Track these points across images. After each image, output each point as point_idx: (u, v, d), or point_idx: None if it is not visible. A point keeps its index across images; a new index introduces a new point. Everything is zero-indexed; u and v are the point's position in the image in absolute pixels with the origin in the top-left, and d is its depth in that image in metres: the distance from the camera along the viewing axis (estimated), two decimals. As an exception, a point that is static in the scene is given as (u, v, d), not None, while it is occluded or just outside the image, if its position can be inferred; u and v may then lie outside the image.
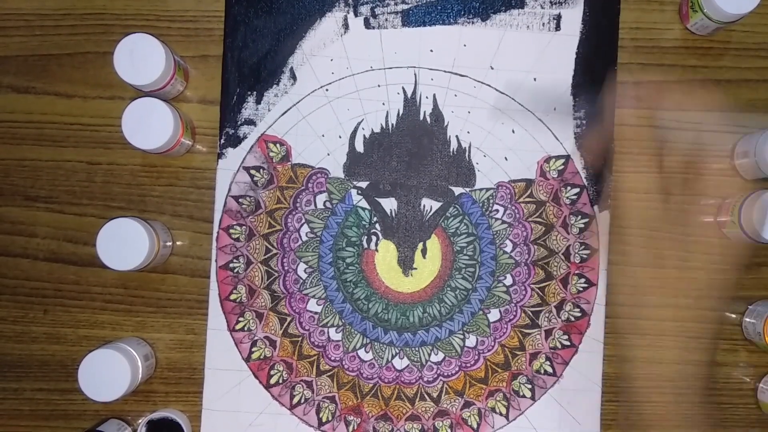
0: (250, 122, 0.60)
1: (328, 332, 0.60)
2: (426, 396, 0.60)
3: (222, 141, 0.60)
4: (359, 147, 0.60)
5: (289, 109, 0.60)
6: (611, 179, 0.58)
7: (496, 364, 0.60)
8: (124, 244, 0.55)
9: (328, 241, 0.60)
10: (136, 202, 0.60)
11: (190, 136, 0.60)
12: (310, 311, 0.60)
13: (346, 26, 0.60)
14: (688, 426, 0.51)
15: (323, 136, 0.60)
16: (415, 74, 0.60)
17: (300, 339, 0.60)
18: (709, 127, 0.60)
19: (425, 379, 0.60)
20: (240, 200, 0.60)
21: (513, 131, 0.60)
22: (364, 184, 0.60)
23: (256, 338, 0.60)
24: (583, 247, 0.60)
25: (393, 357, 0.60)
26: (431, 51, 0.60)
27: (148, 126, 0.56)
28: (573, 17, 0.60)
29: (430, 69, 0.60)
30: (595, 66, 0.60)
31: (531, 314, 0.60)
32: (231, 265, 0.60)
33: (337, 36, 0.60)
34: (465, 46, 0.60)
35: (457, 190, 0.60)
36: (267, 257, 0.60)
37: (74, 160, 0.60)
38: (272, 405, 0.59)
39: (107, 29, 0.60)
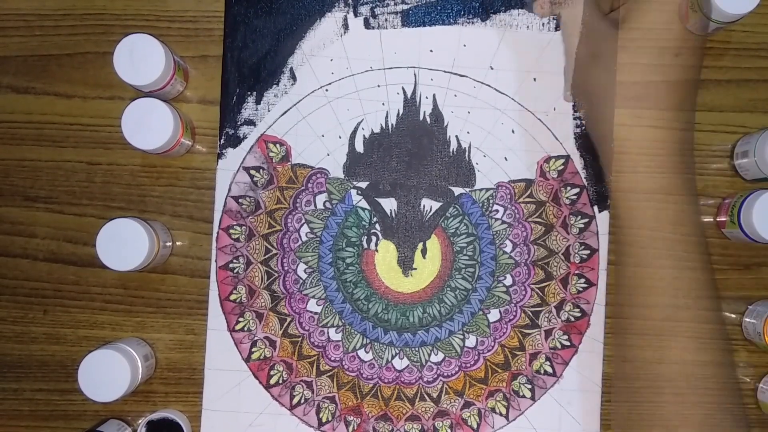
0: (250, 122, 0.60)
1: (328, 332, 0.60)
2: (426, 396, 0.60)
3: (222, 141, 0.60)
4: (359, 147, 0.60)
5: (288, 110, 0.60)
6: (611, 179, 0.58)
7: (496, 365, 0.60)
8: (124, 244, 0.55)
9: (328, 241, 0.60)
10: (136, 203, 0.60)
11: (190, 137, 0.60)
12: (310, 311, 0.60)
13: (345, 26, 0.60)
14: (688, 426, 0.50)
15: (323, 136, 0.60)
16: (414, 74, 0.60)
17: (300, 339, 0.60)
18: (709, 127, 0.61)
19: (425, 379, 0.60)
20: (240, 200, 0.60)
21: (513, 131, 0.60)
22: (364, 185, 0.60)
23: (256, 338, 0.60)
24: (583, 247, 0.60)
25: (393, 357, 0.60)
26: (431, 51, 0.60)
27: (148, 126, 0.55)
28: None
29: (430, 69, 0.60)
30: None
31: (531, 314, 0.60)
32: (231, 265, 0.60)
33: (337, 36, 0.60)
34: (465, 46, 0.60)
35: (457, 191, 0.60)
36: (267, 257, 0.60)
37: (74, 161, 0.60)
38: (272, 405, 0.59)
39: (107, 29, 0.60)
